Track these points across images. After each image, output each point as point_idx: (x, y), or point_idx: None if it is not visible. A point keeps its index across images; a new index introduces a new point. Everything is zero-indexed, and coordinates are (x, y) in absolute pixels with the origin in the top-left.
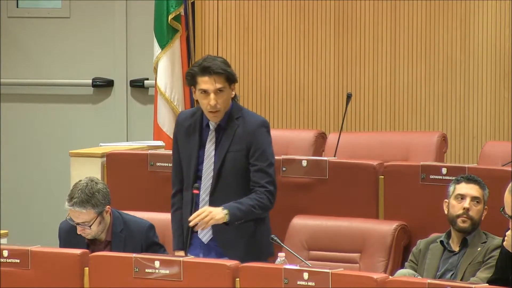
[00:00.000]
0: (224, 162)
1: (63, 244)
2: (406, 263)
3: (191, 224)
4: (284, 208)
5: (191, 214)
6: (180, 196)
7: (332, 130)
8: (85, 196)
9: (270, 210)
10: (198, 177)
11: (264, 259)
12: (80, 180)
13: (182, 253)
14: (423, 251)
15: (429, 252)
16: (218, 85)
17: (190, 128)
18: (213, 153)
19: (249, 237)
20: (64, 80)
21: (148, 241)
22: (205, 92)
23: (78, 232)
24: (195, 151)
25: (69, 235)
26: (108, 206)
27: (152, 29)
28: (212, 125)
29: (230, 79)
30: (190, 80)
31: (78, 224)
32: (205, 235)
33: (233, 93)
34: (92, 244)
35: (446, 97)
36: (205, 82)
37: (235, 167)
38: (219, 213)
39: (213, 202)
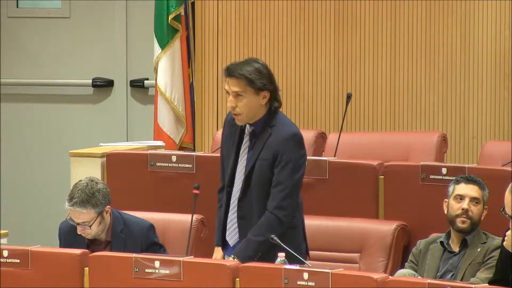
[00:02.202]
0: (252, 169)
1: (63, 244)
2: (406, 263)
3: None
4: None
5: (223, 214)
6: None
7: (332, 130)
8: (85, 196)
9: (284, 226)
10: (234, 180)
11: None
12: (80, 180)
13: (219, 249)
14: (423, 252)
15: (429, 253)
16: (235, 89)
17: (233, 129)
18: (245, 157)
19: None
20: (64, 80)
21: (148, 241)
22: (227, 92)
23: (78, 232)
24: (233, 154)
25: (69, 235)
26: (108, 206)
27: (152, 29)
28: (247, 130)
29: (253, 85)
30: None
31: (78, 224)
32: (232, 238)
33: (265, 100)
34: (92, 244)
35: (446, 97)
36: (226, 83)
37: (261, 176)
38: None
39: (240, 208)
